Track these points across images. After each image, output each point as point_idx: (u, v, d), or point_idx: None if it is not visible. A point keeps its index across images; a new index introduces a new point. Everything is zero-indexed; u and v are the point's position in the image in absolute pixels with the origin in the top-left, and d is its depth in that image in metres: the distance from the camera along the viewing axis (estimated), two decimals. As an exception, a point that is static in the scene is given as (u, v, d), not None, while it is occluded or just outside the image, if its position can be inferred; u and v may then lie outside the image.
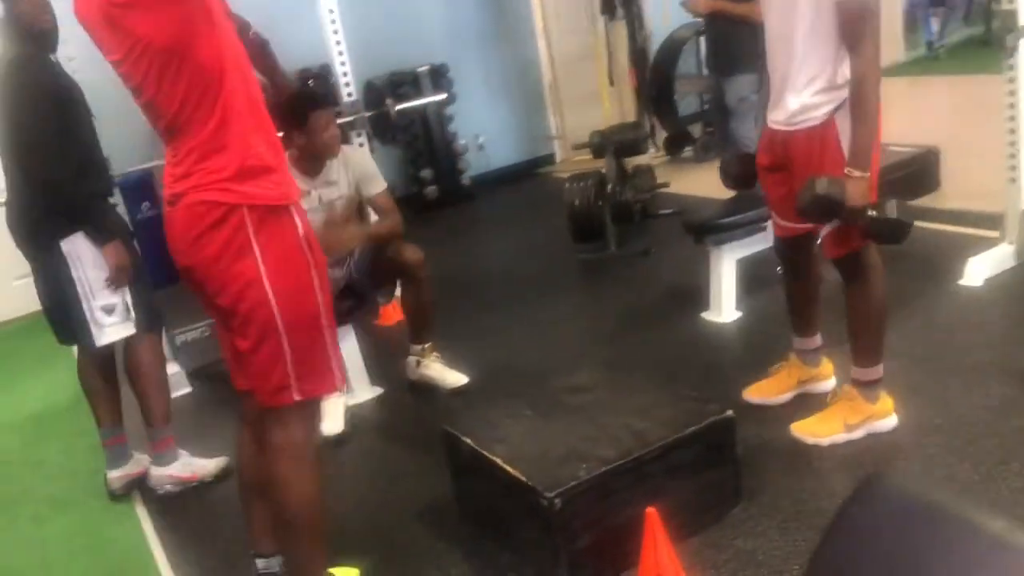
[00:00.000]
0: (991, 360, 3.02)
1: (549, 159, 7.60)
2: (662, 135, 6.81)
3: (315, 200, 3.34)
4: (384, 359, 3.78)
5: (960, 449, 2.56)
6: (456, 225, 6.43)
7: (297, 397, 1.99)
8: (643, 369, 3.33)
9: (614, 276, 4.66)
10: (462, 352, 3.84)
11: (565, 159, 7.42)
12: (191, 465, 3.11)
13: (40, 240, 2.80)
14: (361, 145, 4.46)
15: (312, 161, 3.32)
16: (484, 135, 7.14)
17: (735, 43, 4.58)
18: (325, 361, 2.03)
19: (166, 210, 1.92)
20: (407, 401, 3.58)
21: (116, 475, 3.16)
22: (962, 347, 3.15)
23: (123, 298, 2.89)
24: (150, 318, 3.02)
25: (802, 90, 2.49)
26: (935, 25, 9.01)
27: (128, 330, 2.94)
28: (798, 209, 2.47)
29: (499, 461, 2.34)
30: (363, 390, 3.62)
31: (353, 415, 3.47)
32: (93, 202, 2.83)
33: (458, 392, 3.50)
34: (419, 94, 6.39)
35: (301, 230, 1.95)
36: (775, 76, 2.60)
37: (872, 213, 2.46)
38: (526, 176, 7.32)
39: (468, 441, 2.48)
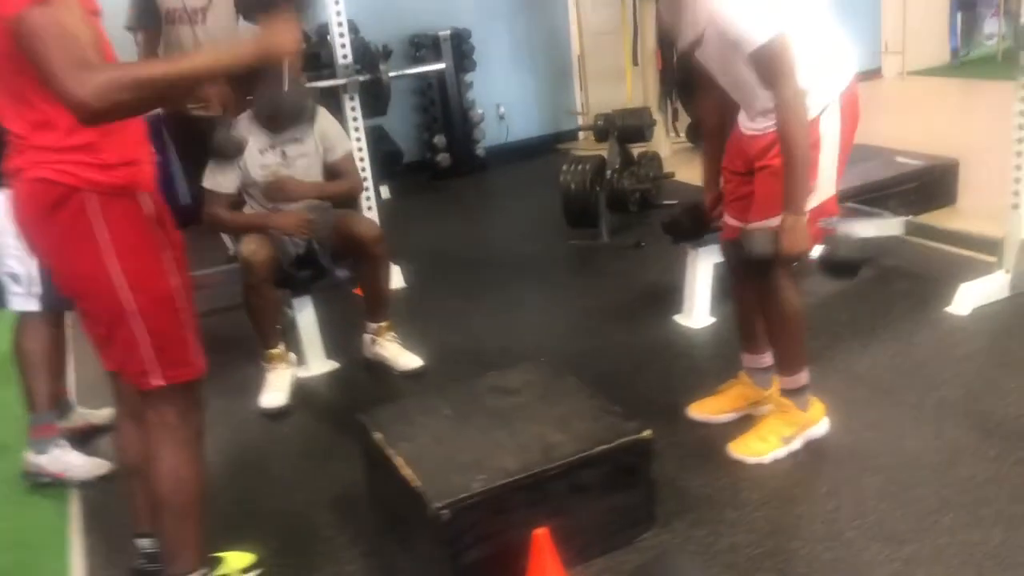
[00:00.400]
0: (955, 399, 2.85)
1: (572, 135, 7.42)
2: (686, 121, 6.62)
3: (277, 155, 3.31)
4: (349, 332, 3.70)
5: (896, 494, 2.41)
6: (462, 196, 6.34)
7: (159, 382, 1.91)
8: (598, 370, 3.26)
9: (601, 267, 4.53)
10: (429, 332, 3.78)
11: (588, 135, 7.23)
12: (62, 461, 2.91)
13: None
14: (353, 109, 4.36)
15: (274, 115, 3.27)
16: (505, 105, 7.01)
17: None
18: (186, 345, 1.95)
19: (8, 183, 1.84)
20: (359, 380, 3.50)
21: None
22: (929, 381, 2.97)
23: (29, 270, 2.74)
24: (55, 298, 2.75)
25: None
26: (981, 30, 8.71)
27: (30, 305, 2.80)
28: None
29: (399, 462, 2.25)
30: (317, 363, 3.56)
31: (301, 388, 3.42)
32: None
33: (410, 375, 3.42)
34: (438, 59, 6.28)
35: (151, 210, 1.85)
36: (742, 103, 2.52)
37: (822, 250, 2.39)
38: (546, 150, 7.15)
39: (376, 436, 2.40)
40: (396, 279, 4.46)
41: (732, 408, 2.85)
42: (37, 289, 2.78)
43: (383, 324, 3.50)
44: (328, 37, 5.74)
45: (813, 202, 2.49)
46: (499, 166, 6.82)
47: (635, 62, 6.42)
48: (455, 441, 2.35)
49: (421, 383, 3.37)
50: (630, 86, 6.59)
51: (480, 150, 6.77)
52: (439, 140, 6.52)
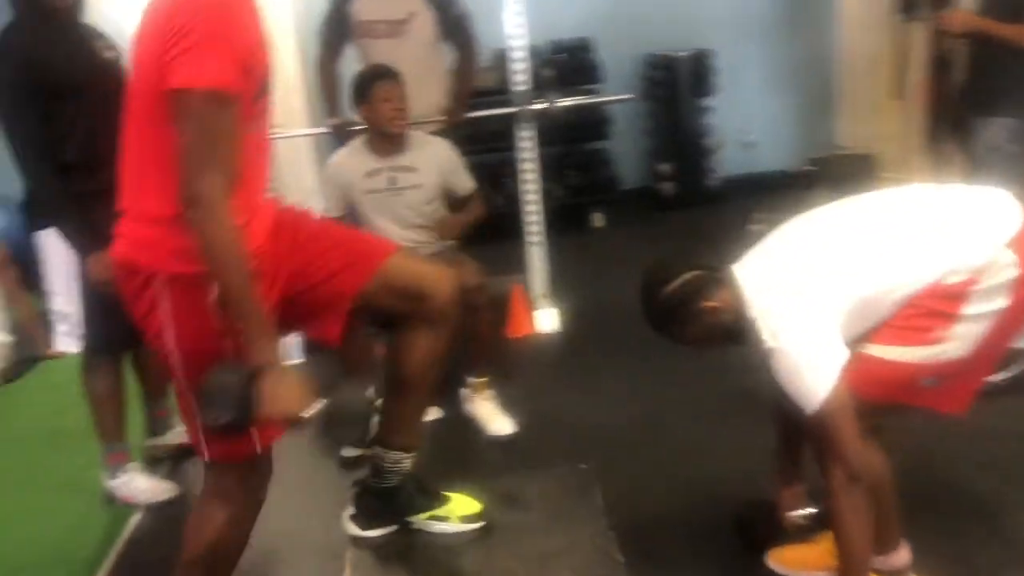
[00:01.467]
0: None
1: (834, 170, 6.61)
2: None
3: (383, 182, 3.20)
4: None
5: None
6: (679, 230, 5.79)
7: (207, 457, 1.89)
8: (689, 473, 2.77)
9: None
10: (543, 390, 3.49)
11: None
12: (130, 486, 2.90)
13: (26, 226, 2.76)
14: (530, 139, 4.08)
15: (381, 139, 3.18)
16: (754, 133, 6.39)
17: (997, 74, 3.50)
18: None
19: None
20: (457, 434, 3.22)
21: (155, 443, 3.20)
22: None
23: (75, 311, 2.71)
24: (101, 340, 2.75)
25: None
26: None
27: (72, 345, 2.77)
28: None
29: None
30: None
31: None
32: (72, 203, 2.51)
33: (497, 442, 3.11)
34: (675, 83, 5.87)
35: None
36: None
37: None
38: (799, 185, 6.38)
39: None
40: (552, 322, 4.18)
41: (821, 565, 2.21)
42: (79, 330, 2.78)
43: (480, 380, 3.21)
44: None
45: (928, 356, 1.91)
46: (738, 199, 6.16)
47: (899, 95, 5.51)
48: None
49: (504, 452, 3.04)
50: (889, 123, 5.68)
51: (714, 180, 6.21)
52: (664, 168, 6.06)
